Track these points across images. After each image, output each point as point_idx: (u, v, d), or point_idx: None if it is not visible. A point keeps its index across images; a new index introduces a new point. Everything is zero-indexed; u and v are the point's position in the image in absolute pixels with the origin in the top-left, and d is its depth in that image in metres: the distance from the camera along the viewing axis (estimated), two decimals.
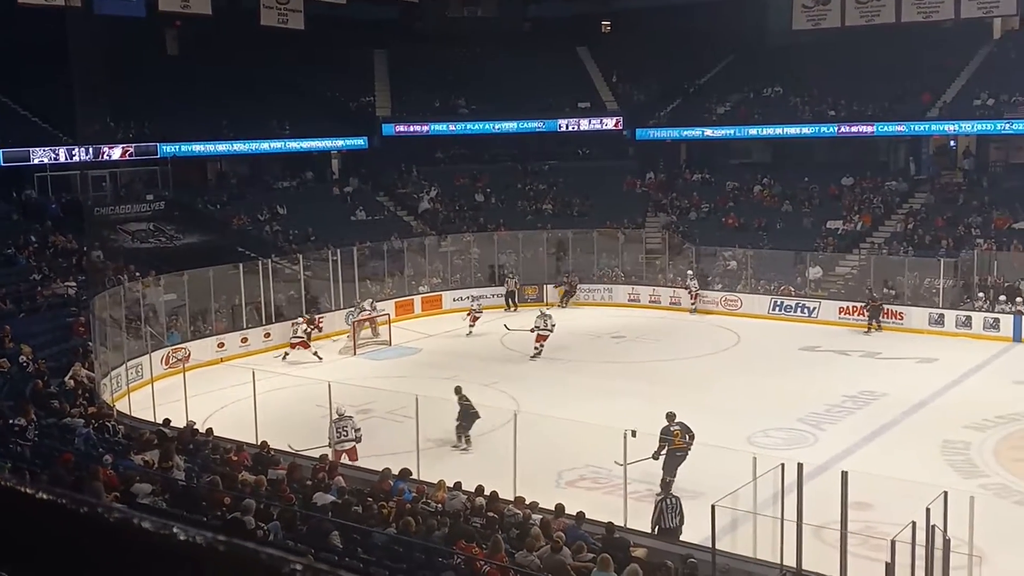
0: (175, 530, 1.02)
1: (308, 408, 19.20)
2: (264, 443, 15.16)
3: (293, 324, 26.87)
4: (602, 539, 11.37)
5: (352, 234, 33.34)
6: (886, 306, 28.72)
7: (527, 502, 12.55)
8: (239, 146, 37.14)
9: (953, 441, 18.04)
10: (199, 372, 22.65)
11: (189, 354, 24.26)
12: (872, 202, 35.38)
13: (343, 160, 41.24)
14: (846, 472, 10.44)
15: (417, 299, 31.84)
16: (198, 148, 36.13)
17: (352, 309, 28.61)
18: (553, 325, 26.14)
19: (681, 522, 12.00)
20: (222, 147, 36.95)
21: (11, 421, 14.41)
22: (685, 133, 40.69)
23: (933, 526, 8.72)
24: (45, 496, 1.11)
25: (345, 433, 16.30)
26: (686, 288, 31.74)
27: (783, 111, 38.89)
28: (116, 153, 33.38)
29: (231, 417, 19.08)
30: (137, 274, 26.75)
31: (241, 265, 27.68)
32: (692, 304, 31.44)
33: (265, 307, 27.94)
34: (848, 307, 29.50)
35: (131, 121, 34.41)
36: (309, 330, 26.78)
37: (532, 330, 25.93)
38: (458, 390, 17.93)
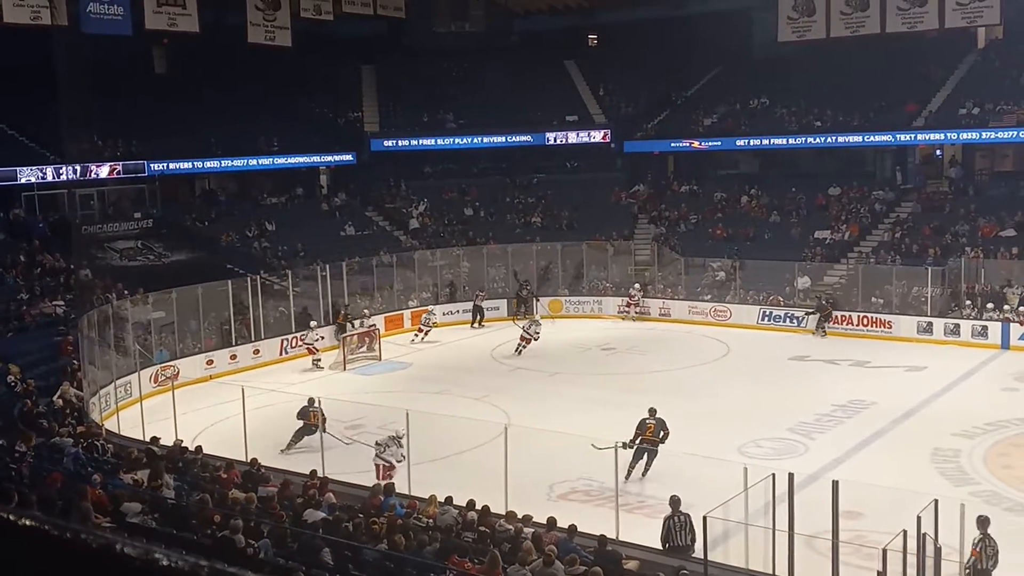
0: (157, 555, 1.03)
1: (298, 425, 19.13)
2: (254, 460, 15.11)
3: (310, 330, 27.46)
4: (594, 552, 11.36)
5: (341, 249, 33.34)
6: (876, 315, 28.91)
7: (519, 516, 12.53)
8: (227, 163, 37.11)
9: (943, 449, 18.09)
10: (188, 389, 22.58)
11: (178, 372, 24.20)
12: (859, 212, 35.54)
13: (332, 176, 41.26)
14: (837, 481, 10.47)
15: (407, 313, 31.82)
16: (186, 165, 36.11)
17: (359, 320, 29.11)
18: (537, 334, 27.56)
19: (693, 540, 11.79)
20: (210, 164, 36.93)
21: (15, 448, 14.30)
22: (672, 145, 40.82)
23: (924, 534, 8.75)
24: (28, 522, 1.11)
25: (383, 449, 16.02)
26: (628, 296, 32.37)
27: (769, 122, 39.08)
28: (104, 171, 33.32)
29: (220, 434, 19.02)
30: (125, 292, 26.68)
31: (230, 282, 27.64)
32: (626, 310, 32.21)
33: (254, 324, 27.89)
34: (837, 316, 29.60)
35: (119, 139, 34.38)
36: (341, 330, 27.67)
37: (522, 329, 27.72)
38: (653, 411, 17.00)
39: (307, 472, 14.52)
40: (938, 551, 8.90)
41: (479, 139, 40.72)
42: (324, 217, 38.01)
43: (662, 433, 16.40)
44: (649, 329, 31.29)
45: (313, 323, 28.26)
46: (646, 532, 13.27)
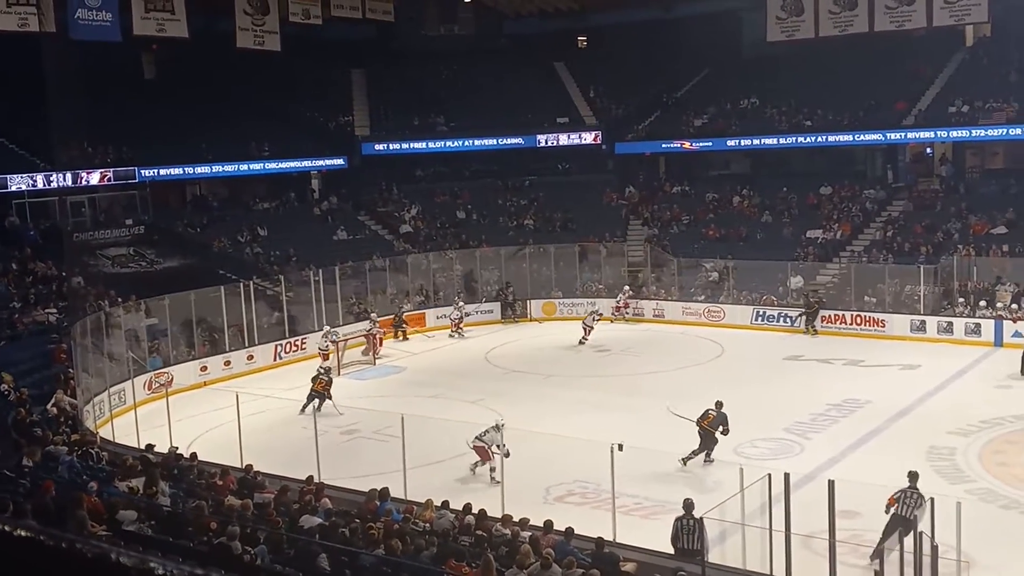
0: (153, 564, 1.01)
1: (293, 431, 19.11)
2: (249, 466, 15.06)
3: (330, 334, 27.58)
4: (592, 554, 11.34)
5: (333, 254, 33.31)
6: (869, 314, 28.99)
7: (515, 519, 12.50)
8: (218, 168, 37.03)
9: (938, 447, 18.11)
10: (182, 396, 22.52)
11: (172, 378, 24.12)
12: (851, 211, 35.62)
13: (323, 180, 41.21)
14: (833, 481, 10.46)
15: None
16: (177, 171, 36.02)
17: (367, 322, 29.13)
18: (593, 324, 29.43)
19: (703, 545, 11.62)
20: (201, 170, 36.83)
21: (22, 464, 14.20)
22: (664, 146, 40.87)
23: (920, 532, 8.74)
24: (24, 532, 1.09)
25: (484, 434, 16.71)
26: (616, 299, 32.36)
27: (760, 122, 39.15)
28: (95, 178, 33.21)
29: (215, 441, 18.96)
30: (118, 299, 26.58)
31: (222, 288, 27.56)
32: (616, 314, 32.07)
33: (248, 329, 27.82)
34: (831, 316, 29.66)
35: (109, 146, 34.28)
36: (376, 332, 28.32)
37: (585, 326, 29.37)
38: (719, 404, 17.93)
39: (303, 478, 14.47)
40: (935, 549, 8.91)
41: (470, 142, 40.72)
42: (316, 222, 37.96)
43: (721, 427, 17.27)
44: (644, 330, 31.30)
45: (327, 327, 28.10)
46: (643, 534, 13.25)
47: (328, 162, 40.08)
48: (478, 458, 16.96)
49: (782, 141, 37.84)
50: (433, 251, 35.98)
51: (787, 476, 10.91)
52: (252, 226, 35.71)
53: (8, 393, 19.29)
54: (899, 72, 37.80)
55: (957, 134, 35.19)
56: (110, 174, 33.50)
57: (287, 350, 28.21)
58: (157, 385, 23.36)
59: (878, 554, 11.76)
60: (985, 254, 30.39)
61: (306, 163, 39.94)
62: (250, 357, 27.26)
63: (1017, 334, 26.67)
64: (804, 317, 29.51)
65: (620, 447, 12.78)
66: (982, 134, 34.54)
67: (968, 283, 29.25)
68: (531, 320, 33.37)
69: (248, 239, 34.95)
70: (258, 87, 39.65)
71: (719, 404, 17.79)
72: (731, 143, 39.18)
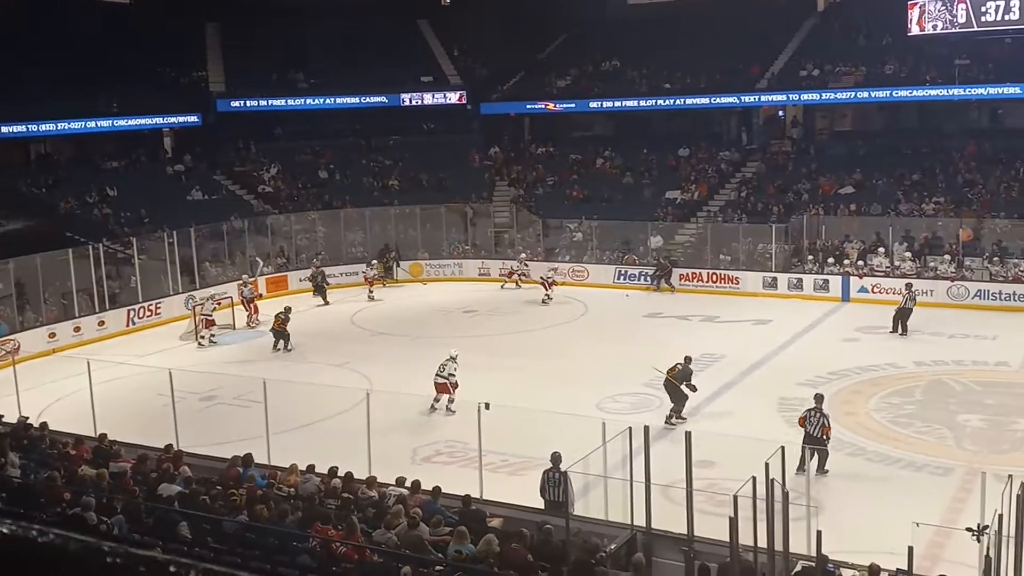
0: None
1: (149, 397, 18.47)
2: (103, 435, 14.50)
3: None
4: (459, 512, 11.42)
5: (189, 215, 32.15)
6: (724, 272, 30.04)
7: (381, 481, 12.47)
8: (63, 125, 35.09)
9: (789, 398, 18.93)
10: (30, 364, 21.46)
11: (19, 346, 23.05)
12: (707, 172, 36.62)
13: (176, 138, 39.64)
14: (689, 432, 10.82)
15: (261, 280, 30.98)
16: (19, 129, 33.97)
17: (240, 283, 28.49)
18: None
19: (567, 497, 11.92)
20: (45, 127, 34.82)
21: None
22: (528, 107, 40.99)
23: (772, 480, 9.12)
24: None
25: (443, 369, 18.63)
26: (513, 269, 32.10)
27: (621, 85, 39.67)
28: None
29: (68, 410, 18.18)
30: None
31: (70, 251, 26.30)
32: (509, 277, 31.99)
33: (98, 294, 26.68)
34: (688, 274, 30.57)
35: None
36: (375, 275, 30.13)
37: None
38: (687, 360, 18.33)
39: (162, 446, 14.03)
40: (786, 495, 9.31)
41: (332, 100, 39.84)
42: (169, 182, 36.54)
43: (685, 382, 17.71)
44: (510, 290, 31.53)
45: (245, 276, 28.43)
46: (511, 489, 13.45)
47: (181, 119, 38.51)
48: (436, 394, 18.41)
49: (643, 104, 38.46)
50: (295, 212, 35.22)
51: (647, 429, 11.21)
52: (101, 186, 34.08)
53: None
54: (754, 37, 38.80)
55: (808, 97, 36.47)
56: None
57: (140, 315, 27.22)
58: (3, 353, 22.22)
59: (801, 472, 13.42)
60: (833, 213, 31.79)
61: (157, 120, 38.23)
62: (101, 323, 26.20)
63: (863, 289, 28.11)
64: (658, 277, 30.28)
65: (487, 406, 12.87)
66: (831, 97, 35.91)
67: (817, 241, 30.59)
68: (421, 281, 33.04)
69: (97, 200, 33.36)
70: (106, 40, 37.65)
71: (687, 359, 18.29)
72: (594, 105, 39.59)
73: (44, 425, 15.24)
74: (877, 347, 22.98)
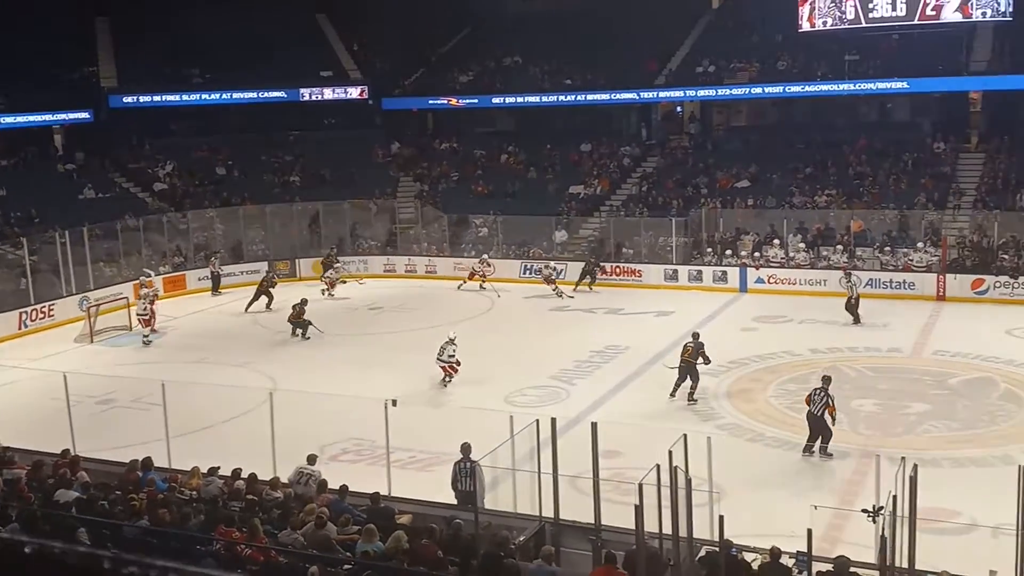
0: None
1: (43, 402, 17.83)
2: None
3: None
4: (367, 510, 11.34)
5: (81, 214, 31.10)
6: (627, 265, 30.49)
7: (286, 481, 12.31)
8: None
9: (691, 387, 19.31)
10: None
11: None
12: (609, 167, 37.05)
13: (67, 136, 38.29)
14: (595, 423, 10.92)
15: (158, 280, 30.14)
16: None
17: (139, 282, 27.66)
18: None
19: (477, 487, 12.05)
20: None
21: None
22: (430, 102, 40.82)
23: (675, 467, 9.28)
24: None
25: (441, 352, 19.93)
26: (475, 270, 30.68)
27: (523, 80, 39.81)
28: None
29: None
30: None
31: None
32: (471, 279, 30.60)
33: None
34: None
35: None
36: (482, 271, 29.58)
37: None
38: (696, 335, 19.08)
39: (57, 452, 13.55)
40: (688, 482, 9.48)
41: (228, 95, 39.00)
42: (60, 180, 35.28)
43: (700, 357, 18.44)
44: (417, 286, 31.41)
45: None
46: (419, 485, 13.41)
47: (72, 116, 37.22)
48: (443, 375, 19.84)
49: (544, 99, 38.66)
50: (192, 209, 34.41)
51: (554, 421, 11.29)
52: None
53: None
54: (652, 33, 39.33)
55: (704, 93, 37.18)
56: None
57: (32, 318, 26.25)
58: None
59: (808, 450, 15.47)
60: (730, 206, 32.53)
61: (47, 117, 36.86)
62: None
63: (760, 280, 28.84)
64: (586, 273, 29.90)
65: (394, 402, 12.80)
66: (727, 93, 36.69)
67: (715, 234, 31.28)
68: (356, 278, 32.23)
69: None
70: None
71: (696, 335, 18.93)
72: (496, 101, 39.65)
73: None
74: (774, 336, 23.62)
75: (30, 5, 34.69)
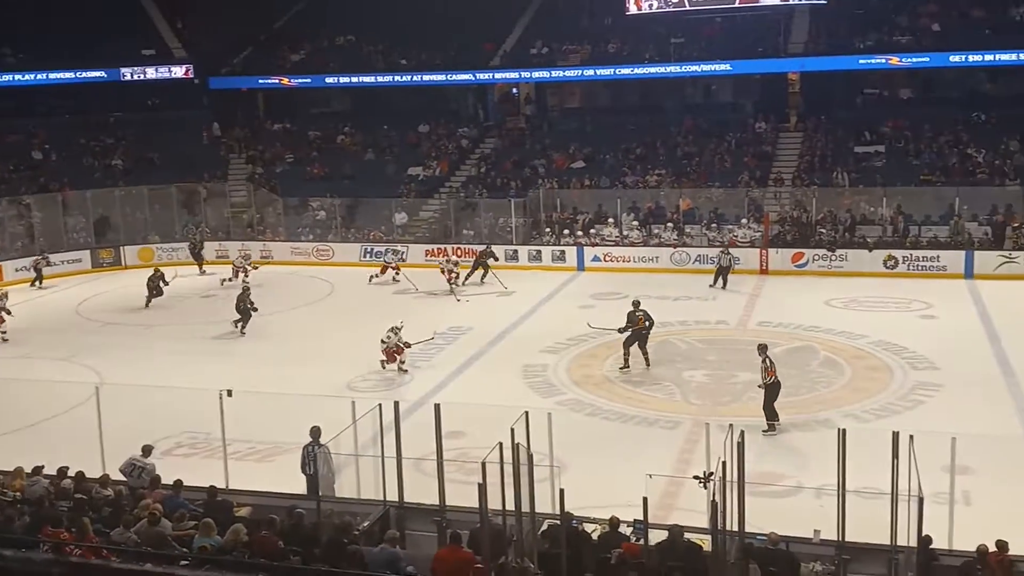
0: None
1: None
2: None
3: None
4: (204, 504, 11.03)
5: None
6: (468, 246, 30.60)
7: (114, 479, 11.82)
8: None
9: (532, 365, 19.66)
10: None
11: None
12: (448, 148, 37.05)
13: None
14: (439, 405, 10.94)
15: None
16: None
17: None
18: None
19: (327, 471, 12.06)
20: None
21: None
22: (261, 81, 39.74)
23: (517, 444, 9.41)
24: None
25: (388, 338, 19.15)
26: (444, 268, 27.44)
27: (358, 60, 39.26)
28: None
29: None
30: None
31: None
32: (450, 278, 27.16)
33: None
34: (433, 249, 30.88)
35: None
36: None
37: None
38: (636, 304, 19.57)
39: None
40: (531, 458, 9.63)
41: (44, 75, 36.85)
42: None
43: (649, 323, 19.12)
44: (253, 273, 30.53)
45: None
46: (259, 477, 13.15)
47: None
48: (384, 358, 19.20)
49: (380, 79, 38.28)
50: (7, 196, 32.38)
51: (396, 404, 11.26)
52: None
53: None
54: (487, 14, 39.42)
55: (539, 74, 37.66)
56: None
57: None
58: None
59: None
60: (567, 187, 33.14)
61: None
62: None
63: (596, 259, 29.52)
64: (480, 264, 28.29)
65: (229, 393, 12.44)
66: (560, 75, 37.27)
67: (553, 214, 31.80)
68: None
69: None
70: None
71: (637, 303, 19.49)
72: (330, 80, 38.98)
73: None
74: (610, 312, 24.16)
75: None
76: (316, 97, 41.40)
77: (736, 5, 33.62)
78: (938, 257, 27.24)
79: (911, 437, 9.34)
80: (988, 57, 31.82)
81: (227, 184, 35.51)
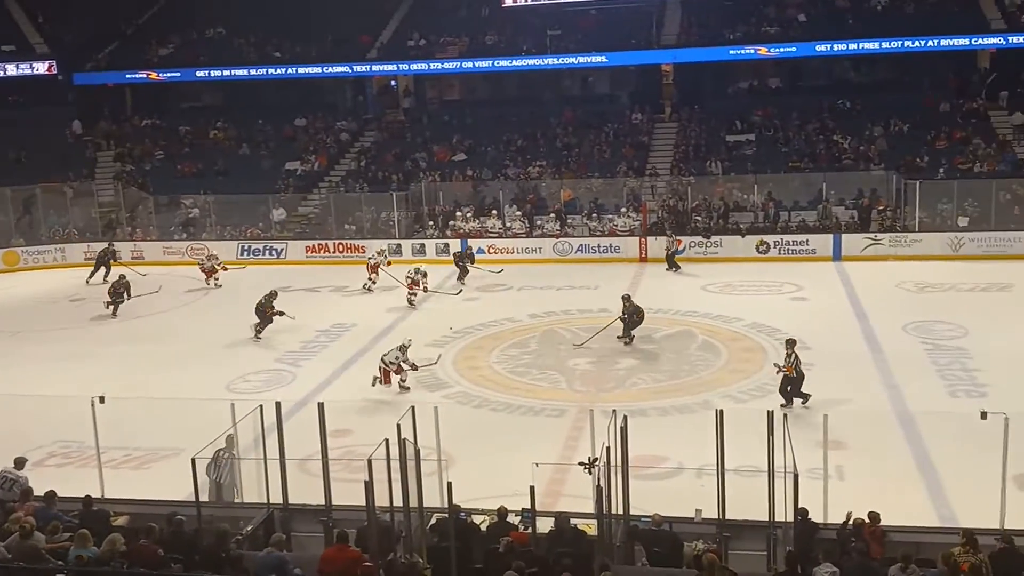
0: None
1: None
2: None
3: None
4: (79, 515, 10.62)
5: None
6: (350, 241, 30.25)
7: None
8: None
9: (418, 360, 19.49)
10: None
11: None
12: (326, 142, 36.51)
13: None
14: (322, 403, 10.81)
15: None
16: None
17: None
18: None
19: (228, 480, 11.73)
20: None
21: None
22: (128, 76, 38.33)
23: (404, 439, 9.37)
24: None
25: (395, 358, 17.48)
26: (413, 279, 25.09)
27: (228, 52, 38.24)
28: None
29: None
30: None
31: None
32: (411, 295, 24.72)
33: None
34: (314, 245, 30.43)
35: None
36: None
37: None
38: (626, 298, 20.45)
39: None
40: (417, 453, 9.61)
41: None
42: None
43: (637, 315, 19.98)
44: (123, 273, 29.47)
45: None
46: (136, 484, 12.75)
47: None
48: (379, 375, 17.44)
49: (253, 72, 37.36)
50: None
51: (278, 405, 11.06)
52: None
53: None
54: (362, 5, 38.90)
55: (417, 67, 37.41)
56: None
57: None
58: None
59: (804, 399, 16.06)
60: (448, 180, 33.06)
61: None
62: None
63: (481, 251, 29.49)
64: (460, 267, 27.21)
65: (102, 399, 11.98)
66: (439, 67, 37.11)
67: (436, 207, 31.71)
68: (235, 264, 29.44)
69: None
70: None
71: (626, 297, 20.46)
72: (200, 74, 37.83)
73: None
74: (495, 304, 24.36)
75: None
76: (186, 91, 40.21)
77: None
78: (807, 241, 28.28)
79: (785, 415, 9.69)
80: (852, 46, 33.11)
81: (94, 183, 34.20)
